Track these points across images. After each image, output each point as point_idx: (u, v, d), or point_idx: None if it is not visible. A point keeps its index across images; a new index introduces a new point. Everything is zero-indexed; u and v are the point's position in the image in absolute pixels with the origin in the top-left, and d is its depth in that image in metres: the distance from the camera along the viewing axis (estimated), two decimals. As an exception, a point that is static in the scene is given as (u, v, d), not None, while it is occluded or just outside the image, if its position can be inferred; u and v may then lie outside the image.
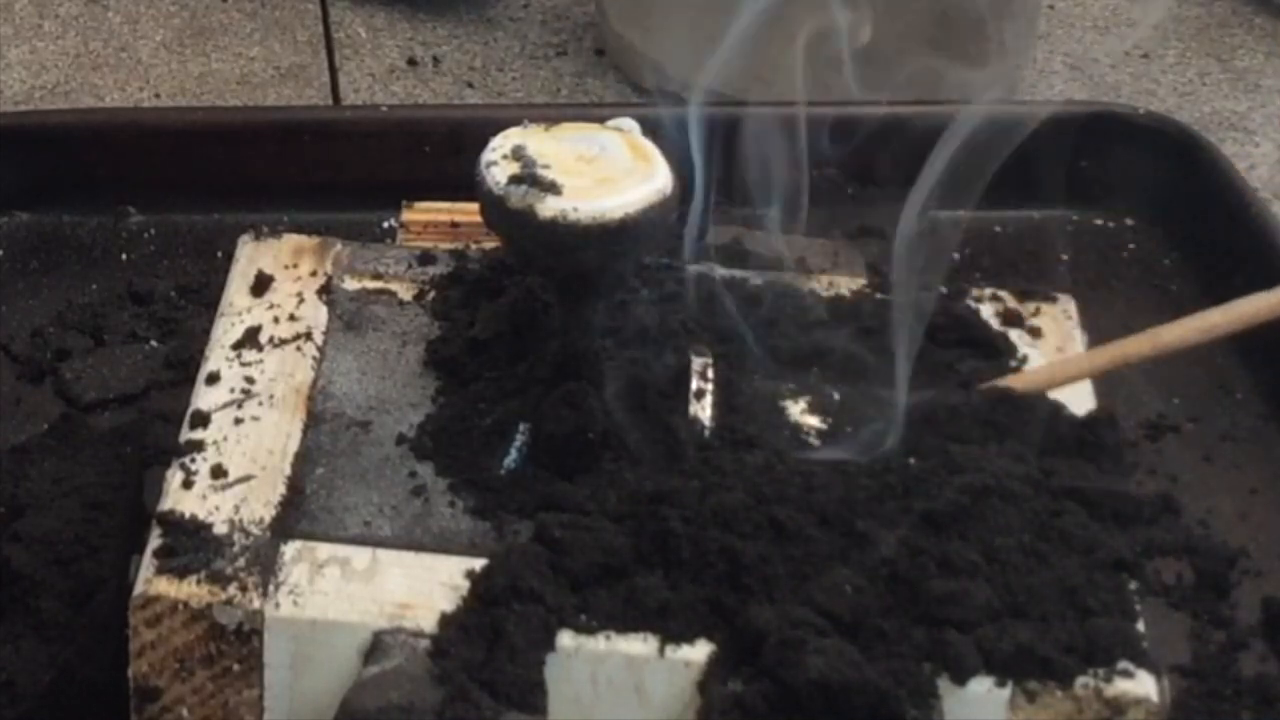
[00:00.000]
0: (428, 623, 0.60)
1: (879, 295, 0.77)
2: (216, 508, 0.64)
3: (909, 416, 0.67)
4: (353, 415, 0.69)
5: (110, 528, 0.67)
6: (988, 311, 0.77)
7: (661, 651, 0.60)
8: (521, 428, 0.67)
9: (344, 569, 0.62)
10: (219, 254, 0.92)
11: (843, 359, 0.73)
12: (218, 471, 0.66)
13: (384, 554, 0.63)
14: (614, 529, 0.62)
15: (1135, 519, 0.66)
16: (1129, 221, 0.98)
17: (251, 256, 0.78)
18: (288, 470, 0.66)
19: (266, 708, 0.62)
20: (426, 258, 0.78)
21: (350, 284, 0.77)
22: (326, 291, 0.76)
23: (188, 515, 0.64)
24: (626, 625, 0.60)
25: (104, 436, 0.74)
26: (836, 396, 0.71)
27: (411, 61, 2.27)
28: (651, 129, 0.69)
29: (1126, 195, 0.98)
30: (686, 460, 0.66)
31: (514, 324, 0.71)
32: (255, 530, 0.63)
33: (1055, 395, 0.72)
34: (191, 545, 0.62)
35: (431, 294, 0.76)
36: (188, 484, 0.65)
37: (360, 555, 0.63)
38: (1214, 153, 0.97)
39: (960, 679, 0.59)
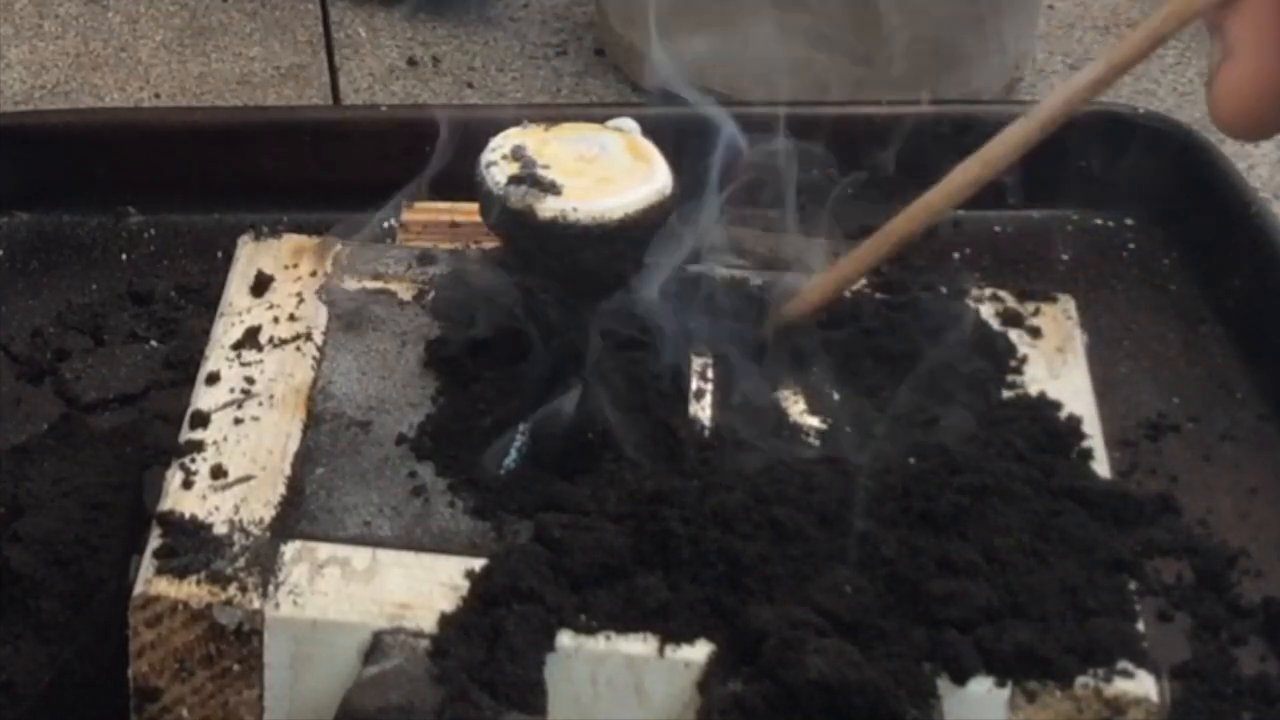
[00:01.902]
0: (428, 623, 0.60)
1: (879, 295, 0.77)
2: (216, 508, 0.64)
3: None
4: (353, 415, 0.69)
5: (110, 528, 0.67)
6: (988, 311, 0.77)
7: (661, 651, 0.60)
8: (521, 428, 0.67)
9: (344, 569, 0.62)
10: (219, 254, 0.92)
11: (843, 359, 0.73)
12: (218, 471, 0.66)
13: (384, 554, 0.63)
14: (614, 529, 0.62)
15: (1135, 519, 0.66)
16: (1129, 221, 0.98)
17: (251, 256, 0.78)
18: (288, 470, 0.66)
19: (266, 708, 0.62)
20: (426, 258, 0.78)
21: (350, 284, 0.77)
22: (326, 291, 0.76)
23: (188, 515, 0.64)
24: (626, 625, 0.60)
25: (104, 436, 0.74)
26: (836, 396, 0.71)
27: (411, 61, 2.27)
28: (651, 129, 0.69)
29: (1126, 195, 0.98)
30: (686, 460, 0.66)
31: (514, 324, 0.71)
32: (255, 530, 0.63)
33: (1053, 395, 0.72)
34: (191, 545, 0.62)
35: (431, 294, 0.76)
36: (188, 484, 0.65)
37: (360, 555, 0.63)
38: (1214, 153, 0.97)
39: (960, 679, 0.59)
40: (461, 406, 0.69)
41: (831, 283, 0.67)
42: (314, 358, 0.72)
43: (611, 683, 0.60)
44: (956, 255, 0.91)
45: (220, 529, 0.63)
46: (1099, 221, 0.98)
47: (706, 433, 0.67)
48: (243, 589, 0.61)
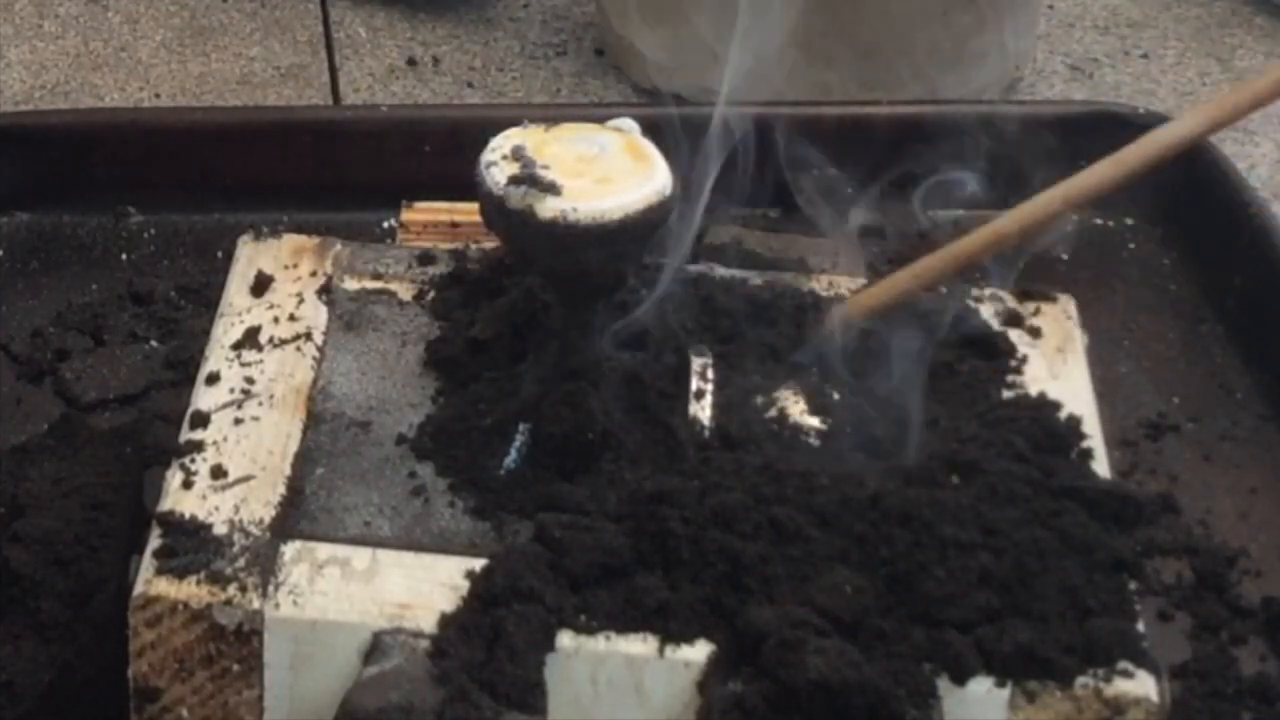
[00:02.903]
0: (428, 623, 0.60)
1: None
2: (216, 508, 0.64)
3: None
4: (353, 415, 0.69)
5: (110, 528, 0.67)
6: (988, 311, 0.77)
7: (661, 651, 0.60)
8: (521, 428, 0.67)
9: (344, 569, 0.62)
10: (219, 254, 0.92)
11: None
12: (218, 472, 0.66)
13: (384, 554, 0.63)
14: (614, 529, 0.62)
15: (1135, 519, 0.66)
16: (1129, 221, 0.98)
17: (251, 256, 0.78)
18: (288, 470, 0.66)
19: (266, 708, 0.62)
20: (426, 258, 0.78)
21: (350, 284, 0.76)
22: (326, 291, 0.76)
23: (188, 515, 0.64)
24: (626, 625, 0.60)
25: (104, 436, 0.74)
26: (836, 396, 0.71)
27: (411, 61, 2.27)
28: (651, 129, 0.69)
29: (1126, 195, 0.98)
30: (686, 460, 0.66)
31: (514, 324, 0.71)
32: (255, 530, 0.63)
33: (1053, 395, 0.72)
34: (191, 545, 0.62)
35: (431, 294, 0.76)
36: (188, 484, 0.65)
37: (360, 555, 0.63)
38: (1214, 153, 0.97)
39: (960, 679, 0.59)
40: (461, 406, 0.69)
41: (892, 291, 0.65)
42: (314, 358, 0.72)
43: (611, 683, 0.60)
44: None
45: (220, 529, 0.63)
46: (1099, 221, 0.98)
47: (706, 433, 0.67)
48: (243, 589, 0.61)
